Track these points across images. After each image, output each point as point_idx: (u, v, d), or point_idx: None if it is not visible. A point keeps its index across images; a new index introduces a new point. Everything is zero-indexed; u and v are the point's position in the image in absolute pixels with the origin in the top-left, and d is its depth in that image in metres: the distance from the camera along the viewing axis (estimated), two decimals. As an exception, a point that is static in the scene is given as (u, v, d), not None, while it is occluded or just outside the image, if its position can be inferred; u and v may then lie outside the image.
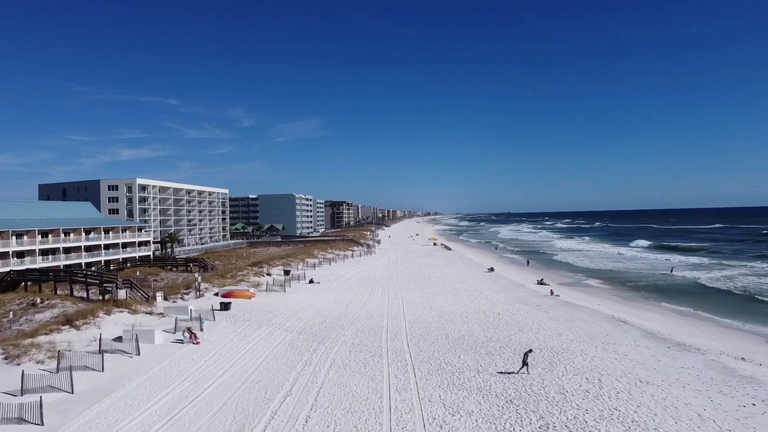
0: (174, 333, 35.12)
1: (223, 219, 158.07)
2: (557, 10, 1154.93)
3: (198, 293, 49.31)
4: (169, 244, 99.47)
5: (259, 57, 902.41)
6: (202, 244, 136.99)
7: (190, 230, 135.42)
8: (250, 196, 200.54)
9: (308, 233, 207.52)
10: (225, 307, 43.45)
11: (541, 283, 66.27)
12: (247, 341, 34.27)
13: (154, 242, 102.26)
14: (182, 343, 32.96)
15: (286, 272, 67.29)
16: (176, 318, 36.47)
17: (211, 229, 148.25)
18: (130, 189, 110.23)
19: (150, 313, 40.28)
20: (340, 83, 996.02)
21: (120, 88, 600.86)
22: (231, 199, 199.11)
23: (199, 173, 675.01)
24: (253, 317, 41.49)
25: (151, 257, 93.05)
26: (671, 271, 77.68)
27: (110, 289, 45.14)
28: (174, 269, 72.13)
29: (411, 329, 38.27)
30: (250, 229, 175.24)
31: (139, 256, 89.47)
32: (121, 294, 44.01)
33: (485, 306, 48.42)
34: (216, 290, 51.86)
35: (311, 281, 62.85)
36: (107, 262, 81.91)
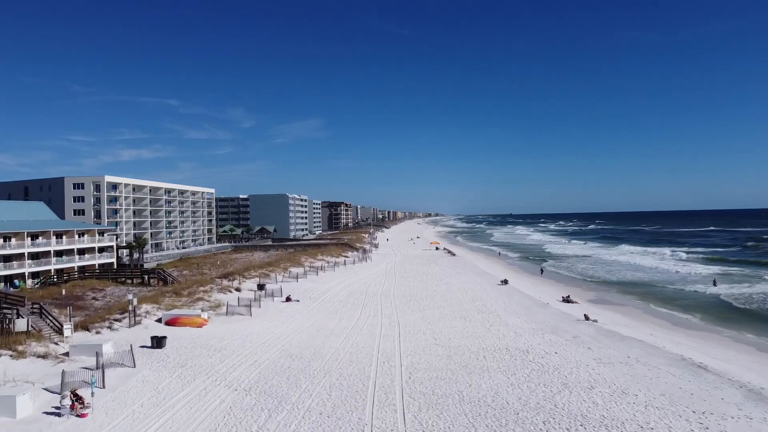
0: (61, 393, 23.85)
1: (210, 221, 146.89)
2: (557, 11, 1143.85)
3: (133, 320, 38.03)
4: (137, 250, 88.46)
5: (259, 57, 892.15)
6: (184, 248, 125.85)
7: (170, 233, 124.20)
8: (241, 196, 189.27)
9: (303, 236, 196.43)
10: (157, 343, 32.17)
11: (567, 300, 55.01)
12: (163, 409, 22.94)
13: (121, 247, 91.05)
14: (60, 415, 21.68)
15: (260, 287, 56.00)
16: (63, 371, 25.06)
17: (194, 231, 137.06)
18: (98, 188, 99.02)
19: (44, 357, 28.94)
20: (340, 84, 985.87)
21: (120, 89, 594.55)
22: (220, 200, 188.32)
23: (200, 174, 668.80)
24: (191, 361, 30.17)
25: (115, 265, 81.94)
26: (714, 284, 66.39)
27: (10, 316, 33.85)
28: (129, 282, 60.85)
29: (409, 382, 26.98)
30: (239, 231, 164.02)
31: (99, 264, 78.33)
32: (20, 324, 32.71)
33: (507, 338, 37.12)
34: (161, 314, 40.58)
35: (288, 299, 51.55)
36: (59, 272, 70.66)
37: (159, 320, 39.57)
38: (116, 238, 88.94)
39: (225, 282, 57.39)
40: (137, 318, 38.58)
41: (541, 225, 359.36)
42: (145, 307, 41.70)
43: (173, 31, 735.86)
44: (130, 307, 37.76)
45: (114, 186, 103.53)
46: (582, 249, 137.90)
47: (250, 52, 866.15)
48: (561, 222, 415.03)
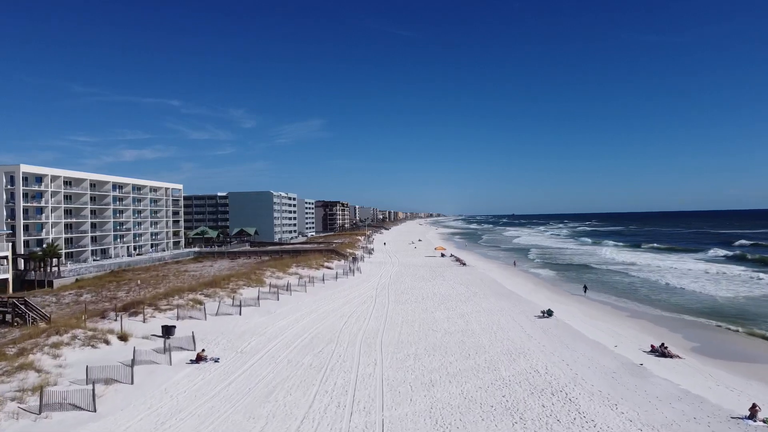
0: None
1: (175, 222, 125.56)
2: (557, 13, 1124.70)
3: None
4: (46, 261, 67.28)
5: (260, 58, 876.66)
6: (139, 254, 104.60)
7: (120, 237, 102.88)
8: (219, 194, 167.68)
9: (291, 238, 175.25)
10: None
11: (663, 353, 33.81)
12: None
13: (25, 257, 69.85)
14: None
15: (166, 330, 34.64)
16: None
17: (155, 235, 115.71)
18: (12, 180, 77.83)
19: None
20: (342, 85, 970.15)
21: (122, 89, 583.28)
22: (196, 198, 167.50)
23: (201, 174, 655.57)
24: None
25: (9, 283, 60.92)
26: None
27: None
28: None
29: None
30: (213, 234, 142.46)
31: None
32: None
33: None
34: None
35: (199, 358, 30.17)
36: None
37: None
38: (12, 246, 67.68)
39: (123, 317, 36.08)
40: None
41: (560, 225, 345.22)
42: None
43: (175, 32, 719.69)
44: None
45: (38, 178, 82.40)
46: (621, 254, 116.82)
47: (252, 52, 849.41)
48: (580, 222, 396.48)
